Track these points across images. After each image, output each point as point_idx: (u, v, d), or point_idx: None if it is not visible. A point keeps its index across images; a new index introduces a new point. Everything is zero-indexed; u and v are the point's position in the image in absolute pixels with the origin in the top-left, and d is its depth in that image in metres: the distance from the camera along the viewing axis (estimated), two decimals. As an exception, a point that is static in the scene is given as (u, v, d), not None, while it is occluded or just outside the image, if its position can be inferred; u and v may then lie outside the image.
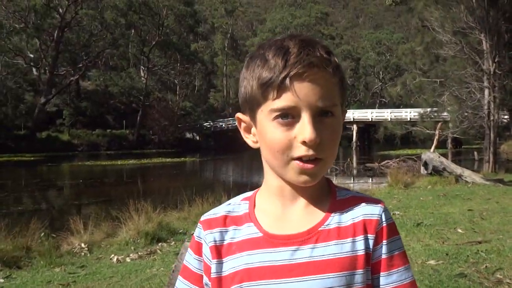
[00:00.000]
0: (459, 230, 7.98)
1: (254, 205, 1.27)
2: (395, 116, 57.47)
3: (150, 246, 8.54)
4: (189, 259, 1.28)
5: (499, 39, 21.99)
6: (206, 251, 1.24)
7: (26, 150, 47.74)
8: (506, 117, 27.10)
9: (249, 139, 1.27)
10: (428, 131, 25.90)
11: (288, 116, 1.13)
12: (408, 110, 53.59)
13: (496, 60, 21.38)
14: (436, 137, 21.12)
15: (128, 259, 7.58)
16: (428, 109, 27.96)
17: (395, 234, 1.23)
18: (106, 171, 34.12)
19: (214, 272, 1.22)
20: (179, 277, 1.31)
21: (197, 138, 70.40)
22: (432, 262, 5.88)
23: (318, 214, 1.22)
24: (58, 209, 17.43)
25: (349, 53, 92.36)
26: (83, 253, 8.21)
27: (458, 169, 16.36)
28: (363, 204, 1.23)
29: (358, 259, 1.17)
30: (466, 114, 23.19)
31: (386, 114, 61.30)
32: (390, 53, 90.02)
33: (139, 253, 7.95)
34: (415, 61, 29.93)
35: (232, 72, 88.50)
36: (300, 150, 1.13)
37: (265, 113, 1.16)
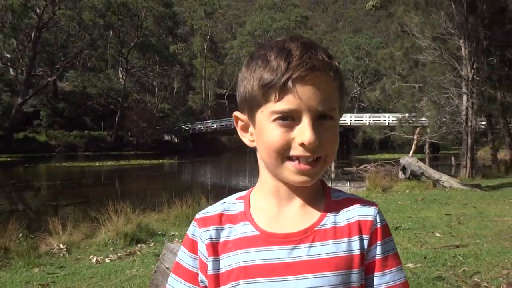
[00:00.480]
0: (437, 234, 8.05)
1: (249, 204, 1.28)
2: (373, 120, 57.69)
3: (129, 247, 8.50)
4: (183, 257, 1.29)
5: (478, 45, 22.23)
6: (202, 248, 1.25)
7: (3, 150, 47.04)
8: (483, 123, 27.38)
9: (246, 138, 1.28)
10: (406, 136, 26.08)
11: (289, 118, 1.15)
12: (387, 115, 53.85)
13: (474, 67, 21.61)
14: (415, 142, 21.30)
15: (107, 260, 7.54)
16: (407, 114, 28.09)
17: (388, 235, 1.26)
18: (84, 172, 33.87)
19: (211, 269, 1.23)
20: (172, 274, 1.31)
21: (176, 140, 70.11)
22: (410, 265, 5.93)
23: (313, 214, 1.24)
24: (36, 210, 17.29)
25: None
26: (61, 254, 8.14)
27: (436, 174, 16.51)
28: (358, 205, 1.26)
29: (354, 258, 1.20)
30: (444, 119, 23.35)
31: (365, 118, 61.38)
32: (369, 58, 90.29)
33: (119, 254, 7.91)
34: (395, 66, 30.06)
35: (211, 74, 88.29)
36: (298, 150, 1.15)
37: (265, 114, 1.17)
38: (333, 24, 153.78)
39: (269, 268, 1.18)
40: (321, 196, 1.27)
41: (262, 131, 1.18)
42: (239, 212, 1.27)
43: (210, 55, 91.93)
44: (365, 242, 1.21)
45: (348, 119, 63.64)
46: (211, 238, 1.24)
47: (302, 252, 1.18)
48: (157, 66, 71.48)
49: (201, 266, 1.25)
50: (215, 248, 1.24)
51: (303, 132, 1.13)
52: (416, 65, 27.09)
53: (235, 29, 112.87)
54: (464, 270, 5.62)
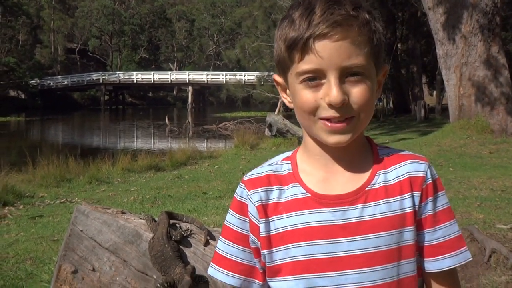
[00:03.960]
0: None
1: (297, 165, 1.26)
2: (229, 78, 58.33)
3: (-4, 211, 7.94)
4: (231, 220, 1.28)
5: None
6: (253, 210, 1.24)
7: None
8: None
9: (286, 100, 1.28)
10: (267, 94, 26.62)
11: (316, 78, 1.13)
12: (243, 73, 54.60)
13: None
14: (281, 100, 21.84)
15: (-25, 225, 6.96)
16: (266, 73, 28.66)
17: (440, 189, 1.24)
18: None
19: (263, 231, 1.22)
20: (221, 238, 1.29)
21: (23, 96, 66.55)
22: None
23: (363, 174, 1.22)
24: None
25: (184, 14, 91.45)
26: None
27: (300, 131, 16.97)
28: (408, 161, 1.23)
29: (406, 216, 1.19)
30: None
31: (222, 76, 62.20)
32: (225, 16, 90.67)
33: (-13, 218, 7.35)
34: (257, 25, 30.41)
35: (60, 27, 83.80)
36: (327, 112, 1.14)
37: (293, 76, 1.17)
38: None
39: (322, 231, 1.17)
40: (368, 155, 1.26)
41: (294, 94, 1.19)
42: (287, 173, 1.25)
43: (59, 7, 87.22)
44: (416, 199, 1.20)
45: (204, 77, 64.08)
46: (261, 200, 1.23)
47: (355, 213, 1.18)
48: (0, 16, 66.91)
49: (252, 228, 1.24)
50: (265, 209, 1.22)
51: (329, 91, 1.12)
52: (275, 25, 27.57)
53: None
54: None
